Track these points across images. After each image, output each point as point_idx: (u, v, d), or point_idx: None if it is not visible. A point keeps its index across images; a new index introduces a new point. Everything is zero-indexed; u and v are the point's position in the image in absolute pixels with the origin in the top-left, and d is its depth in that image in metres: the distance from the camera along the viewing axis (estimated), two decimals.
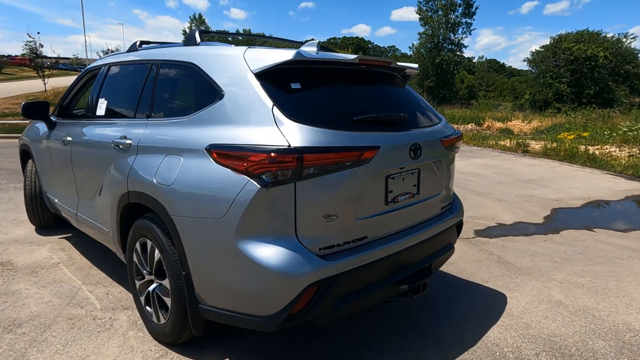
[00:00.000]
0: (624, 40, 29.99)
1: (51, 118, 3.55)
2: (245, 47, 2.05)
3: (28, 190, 3.93)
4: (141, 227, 2.25)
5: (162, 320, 2.23)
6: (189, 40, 2.40)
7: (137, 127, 2.39)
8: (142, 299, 2.40)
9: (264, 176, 1.67)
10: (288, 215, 1.72)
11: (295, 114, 1.77)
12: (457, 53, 44.25)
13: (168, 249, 2.05)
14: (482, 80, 72.02)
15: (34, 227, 4.22)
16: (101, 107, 2.88)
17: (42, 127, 3.75)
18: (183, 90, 2.26)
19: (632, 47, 30.49)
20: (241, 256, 1.73)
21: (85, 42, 38.63)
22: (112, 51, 32.73)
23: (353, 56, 2.06)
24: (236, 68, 1.96)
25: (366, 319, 2.61)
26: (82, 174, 2.94)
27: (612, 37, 31.02)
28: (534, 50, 32.69)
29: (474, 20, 42.84)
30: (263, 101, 1.80)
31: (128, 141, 2.36)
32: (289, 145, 1.67)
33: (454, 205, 2.65)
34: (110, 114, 2.80)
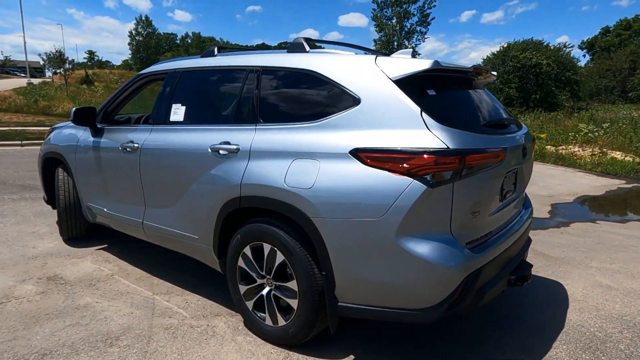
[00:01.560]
0: (564, 49, 32.90)
1: (97, 124, 3.42)
2: (372, 55, 2.16)
3: (62, 200, 3.73)
4: (257, 231, 2.27)
5: (281, 322, 2.26)
6: (295, 48, 2.45)
7: (241, 132, 2.40)
8: (250, 303, 2.41)
9: (427, 177, 1.78)
10: (445, 213, 1.84)
11: (440, 118, 1.90)
12: None
13: (298, 252, 2.09)
14: None
15: (61, 239, 4.00)
16: (177, 113, 2.83)
17: (79, 133, 3.59)
18: (301, 96, 2.30)
19: (572, 55, 33.63)
20: (402, 253, 1.82)
21: (25, 44, 35.68)
22: (61, 53, 30.83)
23: (469, 65, 2.22)
24: (371, 75, 2.05)
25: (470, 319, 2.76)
26: (156, 181, 2.86)
27: (554, 46, 33.77)
28: (485, 57, 34.81)
29: (427, 29, 44.79)
30: (410, 106, 1.91)
31: (233, 146, 2.36)
32: (448, 147, 1.80)
33: (527, 201, 2.88)
34: (194, 119, 2.76)
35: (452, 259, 1.83)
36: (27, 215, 4.81)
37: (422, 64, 1.99)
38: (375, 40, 46.33)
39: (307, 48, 2.42)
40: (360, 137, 1.95)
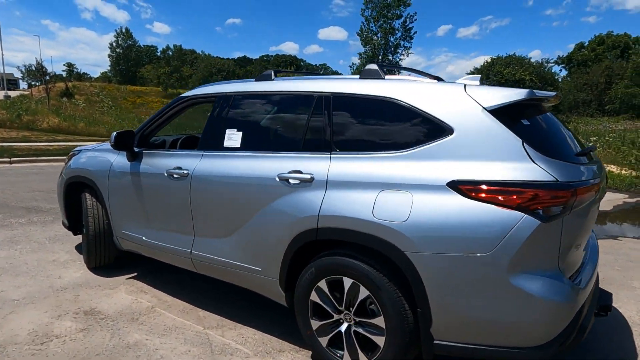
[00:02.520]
0: (545, 64, 34.04)
1: (134, 149, 3.28)
2: (461, 83, 2.13)
3: (92, 227, 3.55)
4: (336, 264, 2.17)
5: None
6: (369, 75, 2.40)
7: (313, 160, 2.31)
8: (324, 339, 2.29)
9: (540, 211, 1.72)
10: (555, 248, 1.79)
11: (540, 148, 1.86)
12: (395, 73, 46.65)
13: (387, 286, 2.01)
14: None
15: (86, 267, 3.80)
16: (233, 139, 2.73)
17: (112, 157, 3.44)
18: (383, 124, 2.23)
19: (552, 71, 34.92)
20: (513, 290, 1.75)
21: (2, 56, 34.69)
22: (42, 65, 30.01)
23: (553, 93, 2.20)
24: (463, 104, 2.00)
25: None
26: (210, 210, 2.74)
27: (536, 62, 34.87)
28: (469, 72, 35.55)
29: (411, 44, 45.68)
30: (510, 137, 1.86)
31: (306, 175, 2.27)
32: (557, 180, 1.75)
33: None
34: (253, 146, 2.65)
35: (564, 294, 1.78)
36: (41, 241, 4.57)
37: (517, 94, 1.96)
38: (360, 54, 47.04)
39: (384, 75, 2.37)
40: (457, 169, 1.89)
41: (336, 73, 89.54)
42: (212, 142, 2.83)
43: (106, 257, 3.68)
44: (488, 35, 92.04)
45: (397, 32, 44.73)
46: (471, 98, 2.00)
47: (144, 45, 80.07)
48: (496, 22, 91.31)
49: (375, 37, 45.57)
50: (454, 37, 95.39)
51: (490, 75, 32.90)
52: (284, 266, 2.39)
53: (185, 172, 2.84)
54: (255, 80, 2.89)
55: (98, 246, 3.60)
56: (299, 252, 2.34)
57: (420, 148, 2.02)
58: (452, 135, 1.96)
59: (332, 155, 2.27)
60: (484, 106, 1.95)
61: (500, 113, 1.94)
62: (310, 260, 2.32)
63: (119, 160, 3.37)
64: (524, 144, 1.84)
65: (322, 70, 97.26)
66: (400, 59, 45.91)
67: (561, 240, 1.79)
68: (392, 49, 45.76)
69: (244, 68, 78.75)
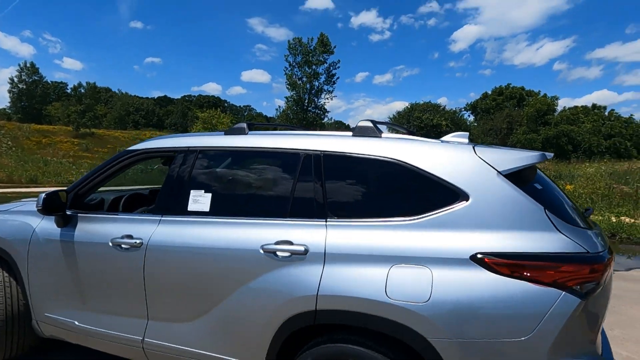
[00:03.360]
0: (458, 111, 37.55)
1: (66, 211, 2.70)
2: (469, 145, 2.00)
3: (2, 310, 2.82)
4: (339, 352, 1.84)
5: None
6: (363, 132, 2.20)
7: (305, 229, 2.00)
8: None
9: (577, 287, 1.58)
10: (594, 326, 1.66)
11: (559, 215, 1.76)
12: (321, 116, 48.38)
13: None
14: None
15: None
16: (200, 202, 2.33)
17: (34, 220, 2.81)
18: (387, 188, 2.00)
19: (465, 117, 38.68)
20: None
21: None
22: None
23: (552, 154, 2.15)
24: (475, 167, 1.86)
25: None
26: (171, 289, 2.27)
27: (450, 109, 38.28)
28: (392, 116, 37.83)
29: (334, 88, 47.73)
30: (531, 204, 1.74)
31: (298, 247, 1.95)
32: (588, 252, 1.64)
33: None
34: (226, 210, 2.27)
35: None
36: None
37: (531, 157, 1.88)
38: (287, 98, 47.96)
39: (380, 133, 2.18)
40: (479, 239, 1.71)
41: (260, 114, 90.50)
42: (173, 205, 2.40)
43: (20, 346, 2.93)
44: (401, 83, 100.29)
45: (320, 77, 46.66)
46: (483, 161, 1.87)
47: (51, 82, 74.14)
48: (407, 72, 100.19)
49: (300, 82, 47.02)
50: (370, 84, 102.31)
51: (410, 120, 35.26)
52: (270, 355, 1.99)
53: (137, 241, 2.35)
54: (225, 134, 2.55)
55: (9, 334, 2.85)
56: (290, 339, 1.97)
57: (434, 215, 1.82)
58: (469, 202, 1.80)
59: (328, 223, 1.99)
60: (499, 170, 1.83)
61: (515, 177, 1.82)
62: (303, 347, 1.96)
63: (45, 225, 2.75)
64: (546, 211, 1.72)
65: (246, 112, 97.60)
66: (324, 103, 47.70)
67: (599, 317, 1.66)
68: (316, 92, 47.42)
69: (164, 108, 76.21)
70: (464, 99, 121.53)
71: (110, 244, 2.43)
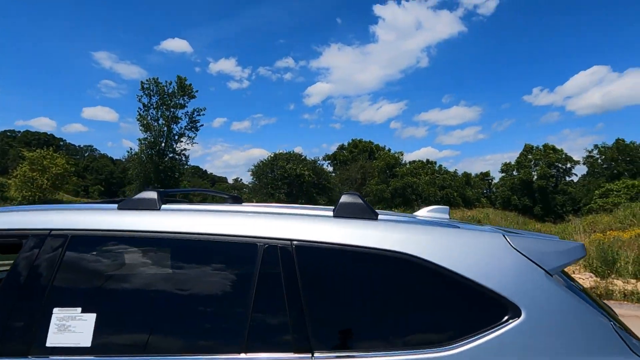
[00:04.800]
0: (318, 161, 38.98)
1: None
2: (497, 231, 1.62)
3: None
4: None
5: None
6: (351, 211, 1.65)
7: None
8: None
9: None
10: None
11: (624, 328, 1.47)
12: (182, 162, 45.16)
13: None
14: (193, 186, 75.28)
15: None
16: (72, 329, 1.39)
17: None
18: (399, 300, 1.51)
19: (324, 167, 40.59)
20: None
21: None
22: None
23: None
24: (517, 267, 1.46)
25: None
26: None
27: (311, 159, 39.69)
28: (255, 165, 37.29)
29: (196, 134, 45.27)
30: (597, 316, 1.40)
31: None
32: None
33: None
34: (126, 346, 1.43)
35: None
36: None
37: (576, 250, 1.52)
38: (140, 140, 43.56)
39: (375, 215, 1.65)
40: None
41: (105, 155, 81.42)
42: (15, 336, 1.38)
43: None
44: (259, 130, 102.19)
45: (181, 121, 44.02)
46: (524, 256, 1.47)
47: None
48: (265, 120, 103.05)
49: (157, 124, 43.48)
50: (229, 130, 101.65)
51: (274, 169, 35.22)
52: None
53: None
54: (120, 209, 1.72)
55: None
56: None
57: (475, 341, 1.34)
58: (521, 318, 1.37)
59: None
60: (547, 269, 1.46)
61: (561, 278, 1.55)
62: None
63: None
64: (614, 326, 1.39)
65: (87, 152, 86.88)
66: (184, 149, 44.76)
67: None
68: (177, 137, 44.39)
69: None
70: (317, 148, 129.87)
71: None
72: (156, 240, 1.62)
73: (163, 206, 1.72)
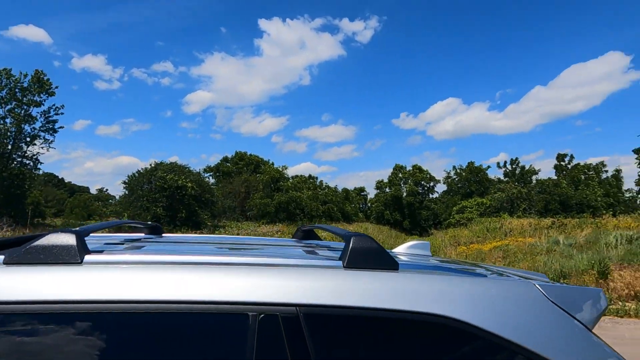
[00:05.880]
0: (202, 173, 36.80)
1: None
2: (527, 281, 1.41)
3: None
4: None
5: None
6: (362, 260, 1.29)
7: None
8: None
9: None
10: None
11: None
12: (31, 168, 38.46)
13: None
14: (46, 196, 64.73)
15: None
16: None
17: None
18: None
19: (207, 179, 38.43)
20: None
21: None
22: None
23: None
24: (557, 321, 1.30)
25: None
26: None
27: (195, 170, 37.21)
28: (130, 175, 33.43)
29: (54, 136, 39.09)
30: None
31: None
32: None
33: None
34: None
35: None
36: None
37: (603, 300, 1.45)
38: None
39: (396, 264, 1.34)
40: None
41: None
42: None
43: None
44: (130, 136, 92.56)
45: (36, 121, 37.64)
46: (564, 311, 1.31)
47: None
48: (138, 126, 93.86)
49: (2, 122, 36.52)
50: (93, 134, 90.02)
51: (152, 180, 32.16)
52: None
53: None
54: (5, 263, 1.10)
55: None
56: None
57: None
58: None
59: None
60: (583, 322, 1.33)
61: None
62: None
63: None
64: None
65: None
66: (38, 153, 38.27)
67: None
68: (28, 139, 37.77)
69: None
70: (196, 159, 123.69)
71: None
72: (81, 317, 1.00)
73: (87, 257, 1.10)
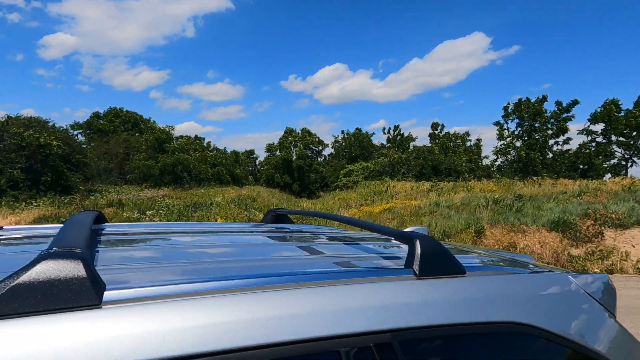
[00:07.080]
0: (71, 131, 31.72)
1: None
2: (562, 272, 1.36)
3: None
4: None
5: None
6: (446, 268, 1.09)
7: None
8: None
9: None
10: None
11: None
12: None
13: None
14: None
15: None
16: None
17: None
18: None
19: (76, 136, 33.24)
20: None
21: None
22: None
23: None
24: (596, 314, 1.28)
25: None
26: None
27: (61, 127, 32.09)
28: None
29: None
30: None
31: None
32: None
33: None
34: None
35: None
36: None
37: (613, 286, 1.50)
38: None
39: (463, 267, 1.15)
40: None
41: None
42: None
43: None
44: None
45: None
46: (597, 301, 1.32)
47: None
48: None
49: None
50: None
51: (5, 137, 26.96)
52: None
53: None
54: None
55: None
56: None
57: None
58: None
59: None
60: (613, 312, 1.38)
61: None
62: None
63: None
64: None
65: None
66: None
67: None
68: None
69: None
70: (57, 113, 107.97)
71: None
72: None
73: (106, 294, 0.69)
